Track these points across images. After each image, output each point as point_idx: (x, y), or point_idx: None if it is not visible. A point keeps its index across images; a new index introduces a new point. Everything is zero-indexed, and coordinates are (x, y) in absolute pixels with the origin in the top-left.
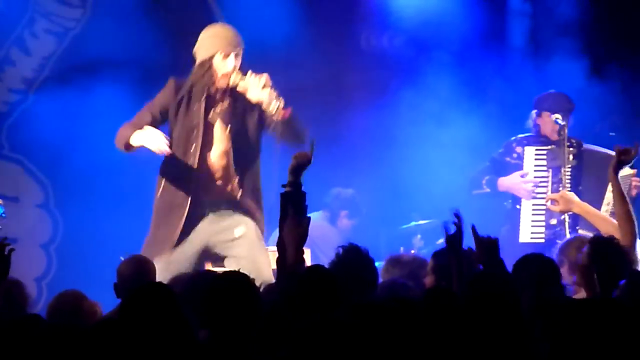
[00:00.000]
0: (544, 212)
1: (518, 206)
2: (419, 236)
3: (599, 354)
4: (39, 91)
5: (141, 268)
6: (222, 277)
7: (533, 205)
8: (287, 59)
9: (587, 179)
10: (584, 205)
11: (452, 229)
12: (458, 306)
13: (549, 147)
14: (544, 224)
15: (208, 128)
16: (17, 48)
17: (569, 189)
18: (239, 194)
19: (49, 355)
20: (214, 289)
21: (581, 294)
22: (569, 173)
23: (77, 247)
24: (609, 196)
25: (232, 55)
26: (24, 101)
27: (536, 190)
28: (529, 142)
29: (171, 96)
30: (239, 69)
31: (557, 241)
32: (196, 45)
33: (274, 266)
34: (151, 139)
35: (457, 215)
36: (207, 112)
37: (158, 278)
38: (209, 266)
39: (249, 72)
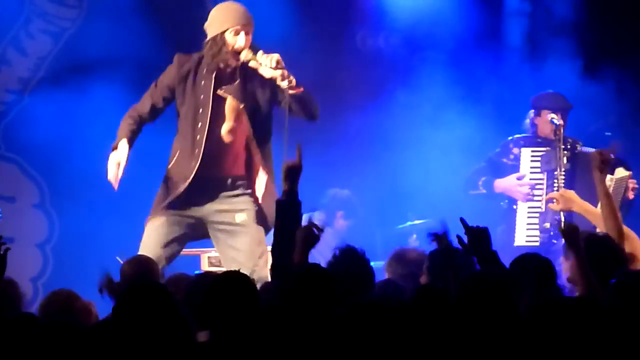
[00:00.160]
0: (538, 214)
1: (514, 206)
2: (414, 236)
3: (587, 355)
4: (35, 91)
5: (144, 268)
6: (222, 277)
7: (529, 207)
8: (283, 58)
9: (581, 182)
10: (584, 204)
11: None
12: (448, 305)
13: (545, 148)
14: (537, 227)
15: (218, 104)
16: (13, 48)
17: None
18: (249, 173)
19: (43, 354)
20: (214, 290)
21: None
22: (563, 176)
23: (73, 246)
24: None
25: (243, 32)
26: (20, 101)
27: (532, 193)
28: (526, 142)
29: (176, 72)
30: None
31: (553, 241)
32: (207, 21)
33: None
34: (109, 167)
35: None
36: (216, 88)
37: (148, 238)
38: (204, 263)
39: (260, 51)
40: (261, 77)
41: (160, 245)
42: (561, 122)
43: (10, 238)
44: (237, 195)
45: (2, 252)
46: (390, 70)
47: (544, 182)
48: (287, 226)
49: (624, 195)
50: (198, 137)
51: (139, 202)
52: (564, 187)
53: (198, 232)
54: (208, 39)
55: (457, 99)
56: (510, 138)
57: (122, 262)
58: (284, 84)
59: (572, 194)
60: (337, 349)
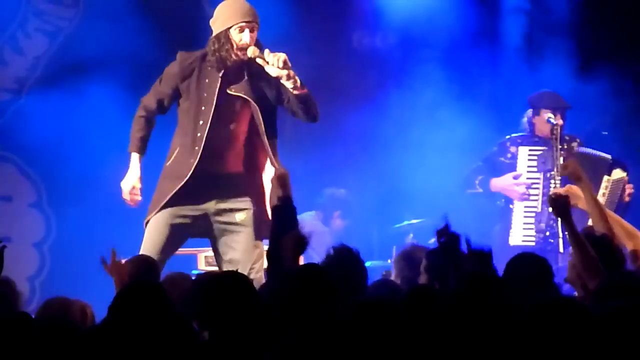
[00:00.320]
0: (534, 214)
1: (511, 206)
2: (411, 235)
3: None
4: (32, 90)
5: (146, 268)
6: (221, 277)
7: (525, 207)
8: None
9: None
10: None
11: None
12: (440, 305)
13: (542, 148)
14: (534, 226)
15: (222, 102)
16: (10, 47)
17: None
18: (250, 171)
19: (37, 353)
20: (213, 290)
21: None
22: (559, 175)
23: (70, 246)
24: (599, 199)
25: (248, 29)
26: (17, 100)
27: (528, 192)
28: (524, 141)
29: (179, 69)
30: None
31: (550, 241)
32: (213, 17)
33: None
34: (125, 194)
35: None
36: (222, 86)
37: (150, 237)
38: (201, 262)
39: (267, 50)
40: (267, 75)
41: (162, 245)
42: (560, 122)
43: (7, 237)
44: (237, 194)
45: None
46: (387, 70)
47: (541, 181)
48: (284, 231)
49: (620, 198)
50: (199, 134)
51: None
52: (560, 187)
53: (199, 230)
54: (213, 35)
55: (454, 98)
56: (507, 137)
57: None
58: (288, 84)
59: (578, 189)
60: (335, 349)
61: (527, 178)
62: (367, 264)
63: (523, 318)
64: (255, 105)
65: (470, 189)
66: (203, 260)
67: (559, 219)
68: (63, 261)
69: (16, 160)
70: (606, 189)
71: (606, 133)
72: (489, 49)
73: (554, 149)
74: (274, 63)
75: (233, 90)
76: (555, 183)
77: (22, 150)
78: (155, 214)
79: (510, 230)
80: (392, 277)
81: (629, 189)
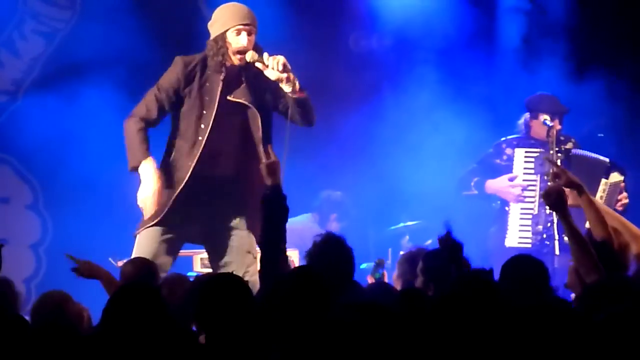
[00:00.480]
0: (530, 217)
1: (507, 208)
2: (407, 237)
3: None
4: (28, 92)
5: (145, 270)
6: (216, 280)
7: (521, 209)
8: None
9: None
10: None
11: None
12: (428, 308)
13: (539, 150)
14: (530, 229)
15: (224, 107)
16: (6, 49)
17: None
18: (244, 175)
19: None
20: (209, 292)
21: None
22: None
23: (66, 248)
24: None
25: (245, 32)
26: (13, 102)
27: (524, 194)
28: (519, 143)
29: (181, 74)
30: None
31: (546, 242)
32: (210, 21)
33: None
34: (147, 204)
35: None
36: (223, 90)
37: (144, 247)
38: (197, 264)
39: (266, 53)
40: (265, 79)
41: (156, 254)
42: (557, 126)
43: (3, 239)
44: (230, 199)
45: None
46: (383, 72)
47: (537, 183)
48: (274, 220)
49: (614, 206)
50: (200, 137)
51: (132, 204)
52: None
53: (193, 236)
54: (211, 39)
55: (450, 100)
56: (502, 139)
57: (114, 262)
58: (287, 88)
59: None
60: (330, 351)
61: (524, 180)
62: (363, 265)
63: (518, 320)
64: (255, 111)
65: (465, 190)
66: (199, 262)
67: (554, 213)
68: (59, 263)
69: (13, 162)
70: (603, 192)
71: (602, 135)
72: (485, 50)
73: (550, 151)
74: (273, 66)
75: (233, 96)
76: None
77: (19, 152)
78: (151, 225)
79: (507, 232)
80: (394, 279)
81: (624, 198)
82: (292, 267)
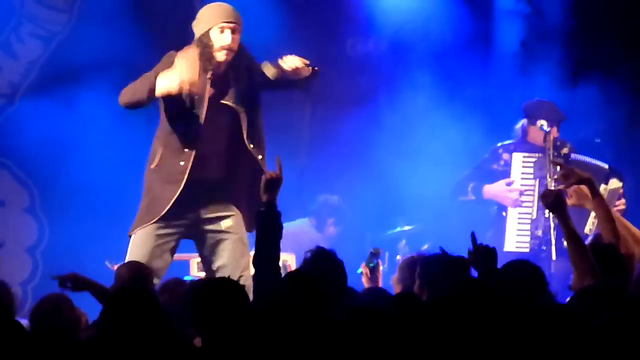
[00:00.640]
0: (529, 221)
1: (504, 213)
2: (403, 241)
3: None
4: (26, 95)
5: (139, 272)
6: (213, 283)
7: (519, 213)
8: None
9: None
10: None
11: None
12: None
13: (537, 154)
14: (529, 233)
15: (212, 106)
16: (4, 52)
17: None
18: (234, 176)
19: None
20: (205, 296)
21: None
22: (554, 183)
23: (63, 251)
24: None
25: (229, 30)
26: (11, 105)
27: (522, 199)
28: (516, 148)
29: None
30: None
31: (543, 247)
32: (194, 21)
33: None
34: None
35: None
36: (212, 89)
37: (139, 249)
38: (193, 268)
39: (281, 63)
40: (248, 76)
41: (151, 256)
42: (555, 134)
43: (1, 241)
44: (222, 200)
45: None
46: (380, 76)
47: (536, 188)
48: (267, 236)
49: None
50: (191, 136)
51: (129, 207)
52: None
53: (186, 235)
54: (195, 38)
55: (446, 104)
56: (499, 144)
57: (110, 266)
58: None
59: (585, 189)
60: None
61: (521, 185)
62: (359, 270)
63: (516, 324)
64: (242, 111)
65: (462, 196)
66: (195, 266)
67: (551, 218)
68: (56, 266)
69: (10, 165)
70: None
71: (599, 140)
72: (481, 54)
73: (546, 156)
74: (290, 66)
75: (221, 97)
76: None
77: (16, 155)
78: (147, 225)
79: (504, 237)
80: (393, 282)
81: (621, 204)
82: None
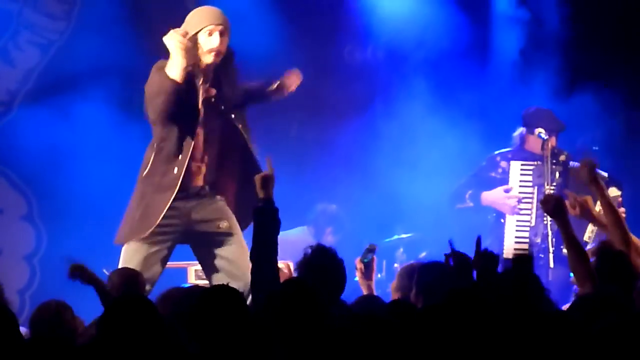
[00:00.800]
0: (528, 228)
1: (502, 220)
2: (401, 249)
3: None
4: (24, 103)
5: (131, 279)
6: (211, 291)
7: (517, 221)
8: (270, 72)
9: None
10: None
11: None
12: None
13: (535, 162)
14: (527, 240)
15: (204, 112)
16: (1, 60)
17: None
18: (222, 180)
19: None
20: (203, 304)
21: None
22: (553, 190)
23: (61, 259)
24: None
25: (217, 32)
26: (8, 113)
27: (520, 207)
28: (514, 156)
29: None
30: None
31: (541, 255)
32: (183, 24)
33: None
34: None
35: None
36: (204, 94)
37: (132, 258)
38: (191, 276)
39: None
40: (233, 81)
41: (143, 267)
42: (553, 143)
43: None
44: (213, 203)
45: None
46: (377, 84)
47: (534, 195)
48: (265, 233)
49: None
50: (185, 142)
51: None
52: None
53: (181, 241)
54: None
55: (445, 112)
56: (497, 152)
57: (107, 274)
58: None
59: (591, 205)
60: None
61: (520, 192)
62: (357, 278)
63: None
64: (235, 113)
65: (460, 203)
66: (193, 273)
67: (549, 226)
68: (53, 274)
69: (7, 173)
70: (592, 232)
71: (597, 148)
72: (479, 62)
73: (545, 164)
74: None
75: (212, 101)
76: None
77: (14, 162)
78: (140, 236)
79: (503, 244)
80: (392, 290)
81: (621, 213)
82: (286, 278)
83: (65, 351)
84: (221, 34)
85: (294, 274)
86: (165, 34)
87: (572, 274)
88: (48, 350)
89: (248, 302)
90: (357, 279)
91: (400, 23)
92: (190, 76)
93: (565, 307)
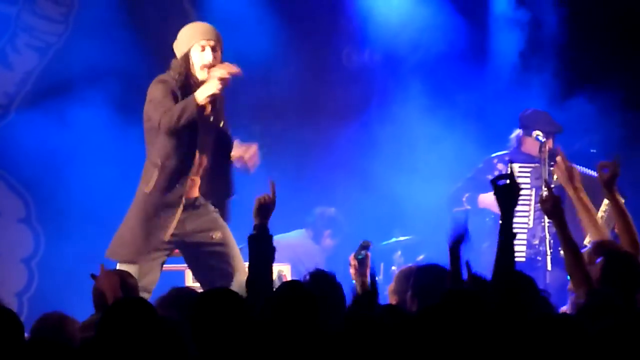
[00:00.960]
0: (525, 230)
1: (500, 222)
2: (399, 252)
3: None
4: (22, 106)
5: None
6: (212, 294)
7: (515, 223)
8: (268, 76)
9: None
10: (583, 193)
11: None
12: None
13: (533, 165)
14: (525, 242)
15: (201, 127)
16: None
17: None
18: (210, 191)
19: None
20: (203, 306)
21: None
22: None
23: (59, 262)
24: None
25: (209, 48)
26: (6, 115)
27: (517, 209)
28: (511, 158)
29: (172, 97)
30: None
31: (538, 258)
32: (175, 41)
33: None
34: (215, 76)
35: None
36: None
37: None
38: (188, 279)
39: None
40: (222, 95)
41: (139, 275)
42: (550, 145)
43: None
44: (207, 214)
45: None
46: (375, 87)
47: (532, 197)
48: (260, 260)
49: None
50: (188, 159)
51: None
52: None
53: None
54: (176, 58)
55: (442, 115)
56: (494, 155)
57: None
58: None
59: (577, 173)
60: None
61: None
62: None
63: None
64: (223, 130)
65: (457, 206)
66: (190, 276)
67: (546, 228)
68: (51, 277)
69: (5, 176)
70: (604, 212)
71: (595, 151)
72: (477, 64)
73: (542, 166)
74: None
75: (208, 116)
76: None
77: (12, 165)
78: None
79: None
80: (389, 293)
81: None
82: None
83: (64, 352)
84: (213, 49)
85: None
86: (164, 36)
87: (569, 277)
88: (47, 351)
89: None
90: (351, 275)
91: (398, 26)
92: (187, 92)
93: (562, 309)
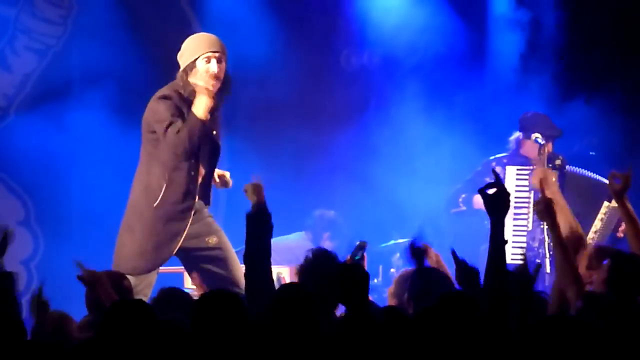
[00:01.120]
0: (525, 233)
1: None
2: (397, 255)
3: None
4: (20, 108)
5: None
6: (212, 296)
7: (514, 226)
8: (267, 78)
9: (570, 203)
10: (559, 195)
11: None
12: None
13: (531, 167)
14: (524, 245)
15: (204, 138)
16: None
17: None
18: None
19: None
20: (202, 308)
21: None
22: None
23: (58, 264)
24: (597, 224)
25: (215, 59)
26: (5, 118)
27: (516, 211)
28: (510, 161)
29: (177, 112)
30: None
31: (537, 260)
32: (180, 52)
33: None
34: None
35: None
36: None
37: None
38: (187, 281)
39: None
40: (220, 106)
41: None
42: (550, 149)
43: None
44: (202, 219)
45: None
46: (374, 89)
47: (531, 200)
48: (258, 236)
49: (614, 229)
50: (193, 172)
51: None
52: None
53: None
54: (181, 69)
55: (441, 117)
56: (492, 157)
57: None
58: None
59: (551, 176)
60: None
61: (516, 197)
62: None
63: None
64: (215, 139)
65: (454, 208)
66: (189, 278)
67: (545, 231)
68: (50, 279)
69: (4, 178)
70: (605, 214)
71: (593, 153)
72: (476, 66)
73: (543, 167)
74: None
75: (209, 128)
76: None
77: (11, 167)
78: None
79: None
80: (389, 295)
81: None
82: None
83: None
84: (219, 60)
85: (295, 278)
86: (163, 38)
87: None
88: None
89: None
90: None
91: (396, 28)
92: (190, 105)
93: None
